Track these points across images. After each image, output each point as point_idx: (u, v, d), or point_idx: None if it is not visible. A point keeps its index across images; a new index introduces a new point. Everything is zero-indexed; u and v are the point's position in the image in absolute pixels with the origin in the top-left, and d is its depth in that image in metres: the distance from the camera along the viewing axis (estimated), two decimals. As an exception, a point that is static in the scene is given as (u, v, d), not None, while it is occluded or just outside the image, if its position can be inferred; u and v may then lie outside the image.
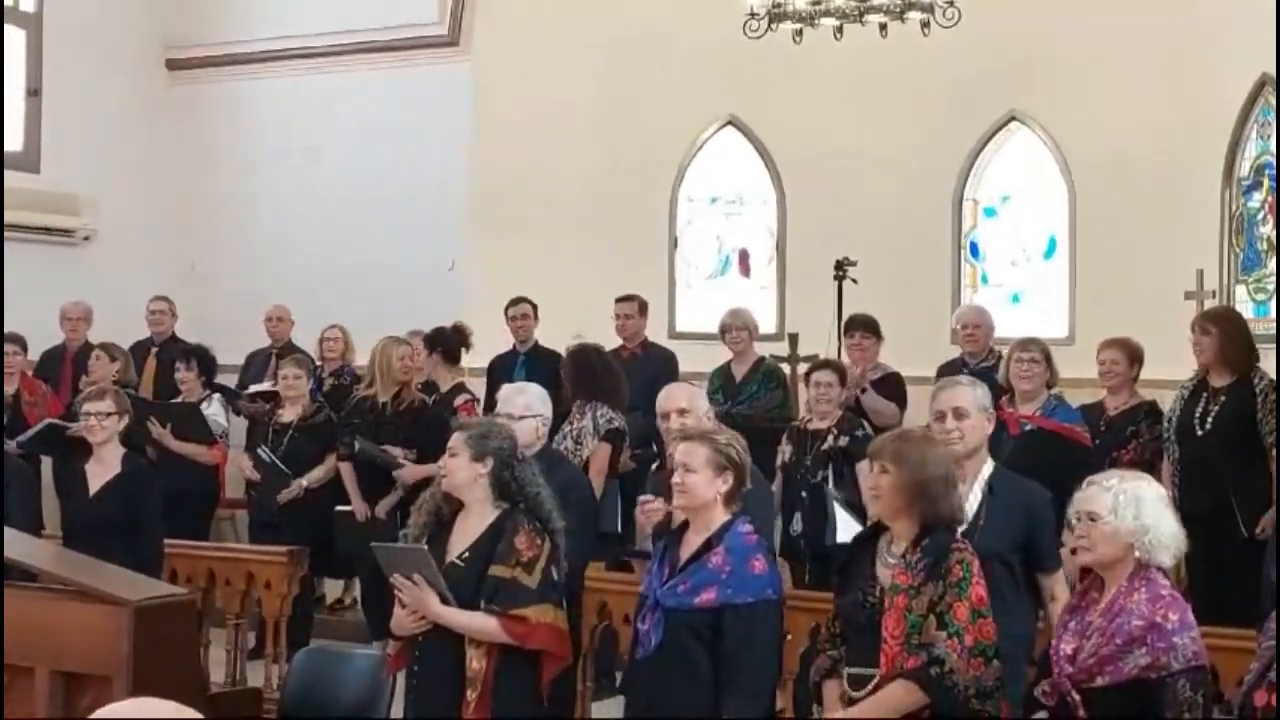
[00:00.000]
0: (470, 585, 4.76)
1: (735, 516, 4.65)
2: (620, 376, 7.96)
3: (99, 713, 2.35)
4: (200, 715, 2.35)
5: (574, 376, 7.81)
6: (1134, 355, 7.76)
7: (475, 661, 4.75)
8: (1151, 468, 7.02)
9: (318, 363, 9.75)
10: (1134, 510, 4.16)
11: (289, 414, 8.69)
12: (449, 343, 8.91)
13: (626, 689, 4.98)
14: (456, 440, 4.93)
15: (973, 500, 4.89)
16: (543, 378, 7.82)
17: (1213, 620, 4.96)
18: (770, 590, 4.56)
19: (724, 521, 4.63)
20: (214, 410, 9.02)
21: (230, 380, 10.07)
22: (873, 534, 4.62)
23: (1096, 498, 4.23)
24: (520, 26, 11.29)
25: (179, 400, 9.16)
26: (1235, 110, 10.11)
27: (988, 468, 4.99)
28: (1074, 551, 4.39)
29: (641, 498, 5.64)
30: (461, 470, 4.88)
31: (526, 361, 9.54)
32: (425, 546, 4.82)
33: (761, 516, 5.18)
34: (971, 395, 5.06)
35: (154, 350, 10.28)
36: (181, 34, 11.97)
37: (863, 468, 6.46)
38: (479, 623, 4.74)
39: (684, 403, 5.89)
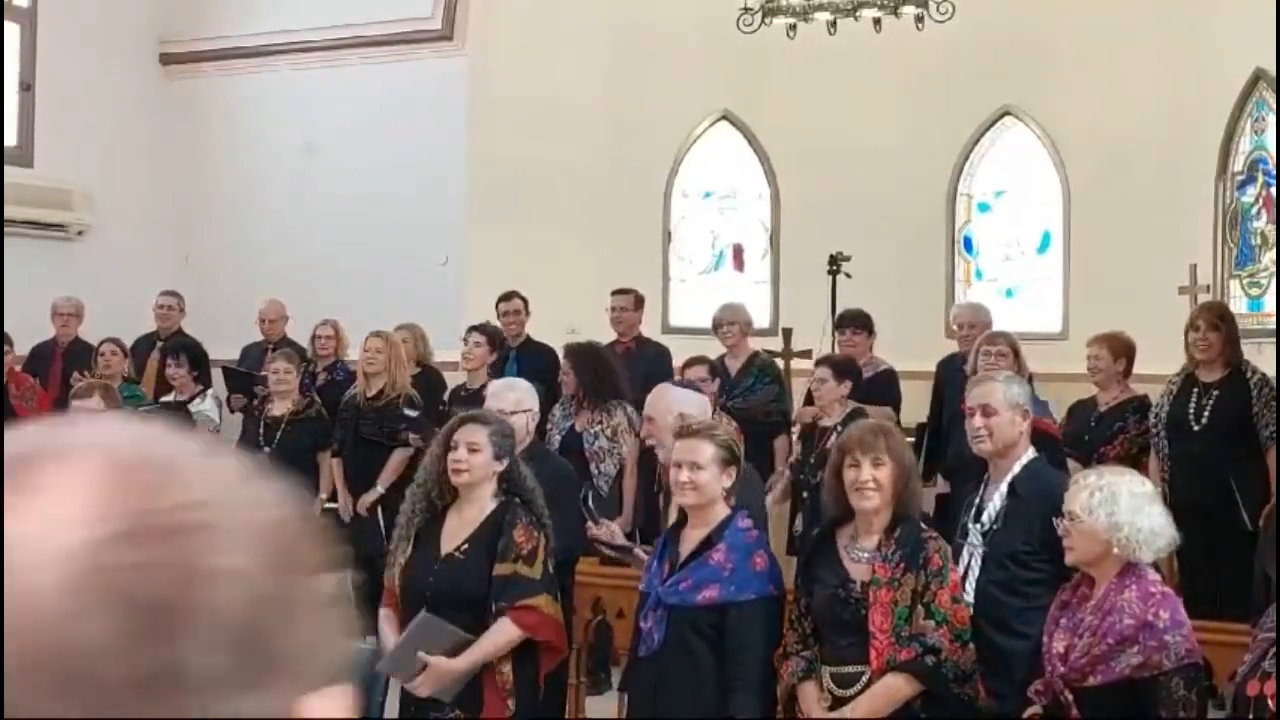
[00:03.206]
0: (472, 576, 4.75)
1: (735, 511, 4.65)
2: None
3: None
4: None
5: (594, 376, 7.77)
6: (1119, 350, 7.70)
7: (504, 666, 4.76)
8: (1137, 463, 7.01)
9: (311, 357, 9.73)
10: (1108, 508, 4.13)
11: (279, 408, 8.65)
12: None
13: (629, 686, 4.96)
14: (479, 435, 4.87)
15: (996, 501, 4.82)
16: (533, 372, 7.81)
17: (1207, 614, 4.95)
18: (772, 586, 4.56)
19: (724, 517, 4.61)
20: (207, 406, 8.97)
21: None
22: (829, 531, 4.61)
23: (1075, 496, 4.22)
24: (514, 21, 11.27)
25: (170, 398, 9.08)
26: (1229, 105, 10.10)
27: (1018, 466, 4.84)
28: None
29: (594, 531, 5.68)
30: (484, 466, 4.86)
31: (518, 356, 9.51)
32: (425, 614, 4.73)
33: (754, 508, 5.17)
34: (1003, 392, 4.90)
35: (159, 346, 10.15)
36: (176, 28, 11.94)
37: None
38: (499, 640, 4.73)
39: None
